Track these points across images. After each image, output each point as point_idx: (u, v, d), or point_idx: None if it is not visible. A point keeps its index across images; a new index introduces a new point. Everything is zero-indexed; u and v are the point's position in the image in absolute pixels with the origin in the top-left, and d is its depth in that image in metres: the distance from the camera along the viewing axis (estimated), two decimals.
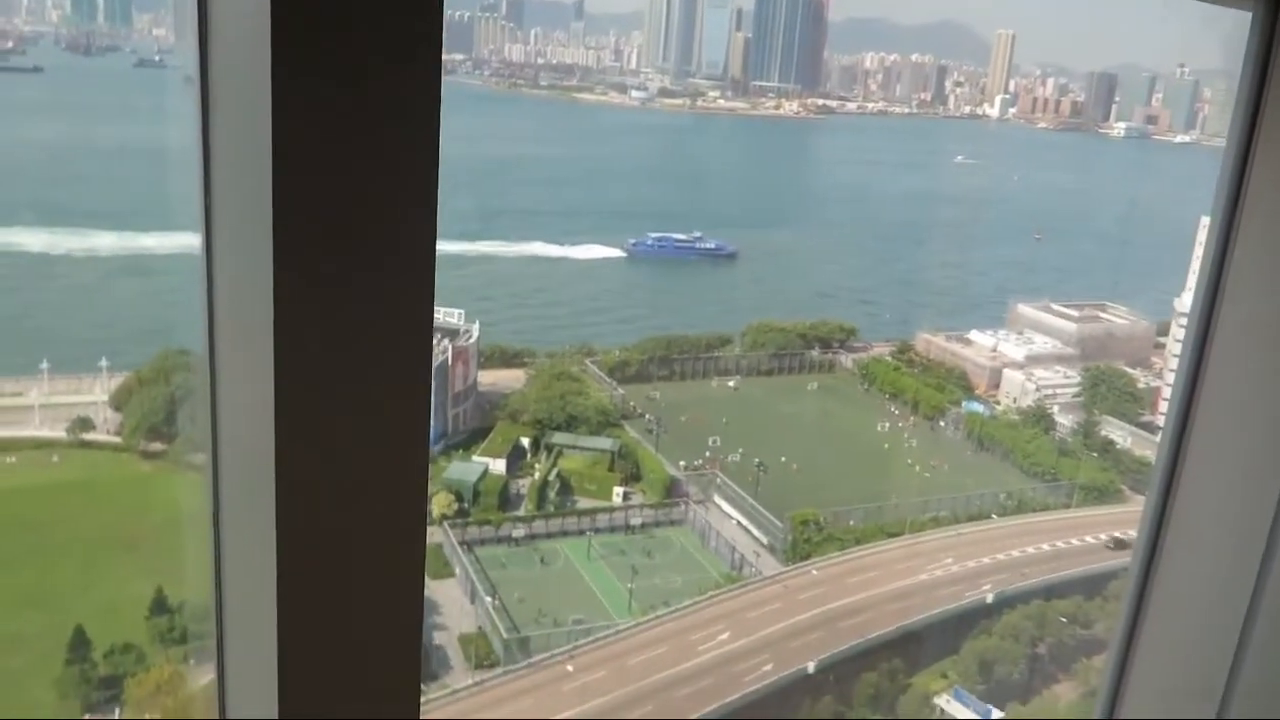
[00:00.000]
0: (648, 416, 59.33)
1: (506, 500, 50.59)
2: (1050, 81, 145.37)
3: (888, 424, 61.67)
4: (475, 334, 56.81)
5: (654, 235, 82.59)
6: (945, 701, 42.58)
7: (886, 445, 59.62)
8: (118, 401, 48.23)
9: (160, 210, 58.40)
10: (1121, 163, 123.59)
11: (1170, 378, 51.94)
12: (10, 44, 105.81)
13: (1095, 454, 57.92)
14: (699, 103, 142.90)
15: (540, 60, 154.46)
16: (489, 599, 43.48)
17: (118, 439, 47.21)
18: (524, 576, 46.34)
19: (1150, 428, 57.69)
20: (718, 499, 53.34)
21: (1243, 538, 3.58)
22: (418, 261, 1.76)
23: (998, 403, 64.24)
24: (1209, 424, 3.64)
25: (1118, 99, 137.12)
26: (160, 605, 37.25)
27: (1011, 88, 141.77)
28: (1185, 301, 50.35)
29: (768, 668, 42.01)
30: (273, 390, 1.65)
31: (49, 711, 34.97)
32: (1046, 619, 45.94)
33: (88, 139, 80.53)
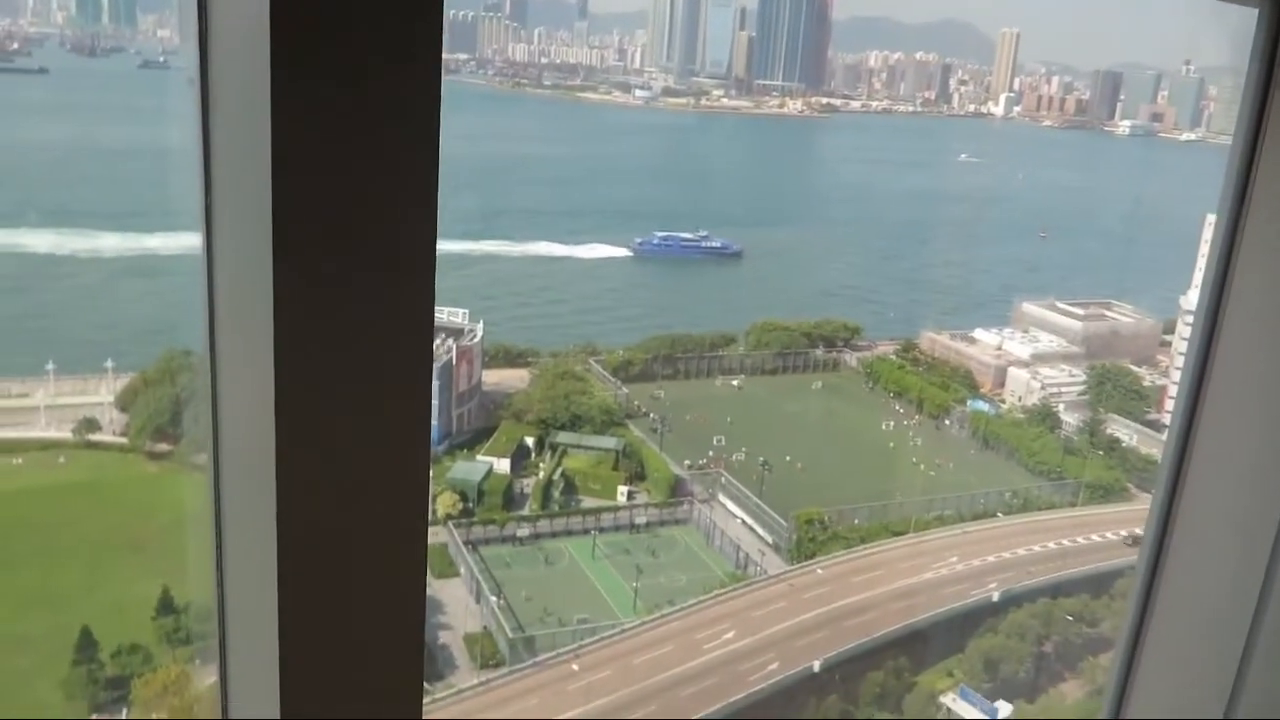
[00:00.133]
0: (652, 416, 59.34)
1: (511, 500, 50.64)
2: (1055, 79, 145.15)
3: (892, 423, 61.62)
4: (479, 333, 56.88)
5: (660, 234, 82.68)
6: (951, 700, 42.53)
7: (891, 444, 59.58)
8: (123, 402, 48.35)
9: (165, 211, 58.55)
10: (1126, 160, 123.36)
11: (1176, 375, 51.86)
12: (16, 45, 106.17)
13: (1101, 452, 57.81)
14: (703, 102, 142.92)
15: (544, 60, 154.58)
16: (494, 598, 43.53)
17: (124, 440, 47.33)
18: (529, 576, 46.38)
19: (1156, 426, 57.58)
20: (722, 498, 53.33)
21: (1250, 536, 3.56)
22: (418, 261, 1.75)
23: (1003, 401, 64.15)
24: (1215, 422, 3.63)
25: (1123, 97, 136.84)
26: (167, 605, 37.36)
27: (1016, 86, 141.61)
28: (1191, 299, 50.21)
29: (773, 667, 41.99)
30: (273, 390, 1.65)
31: (56, 712, 35.07)
32: (1053, 617, 45.86)
33: (93, 140, 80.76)
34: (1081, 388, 63.80)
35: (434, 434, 48.05)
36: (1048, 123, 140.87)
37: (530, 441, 54.38)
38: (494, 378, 58.81)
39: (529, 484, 51.96)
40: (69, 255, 61.71)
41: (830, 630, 43.93)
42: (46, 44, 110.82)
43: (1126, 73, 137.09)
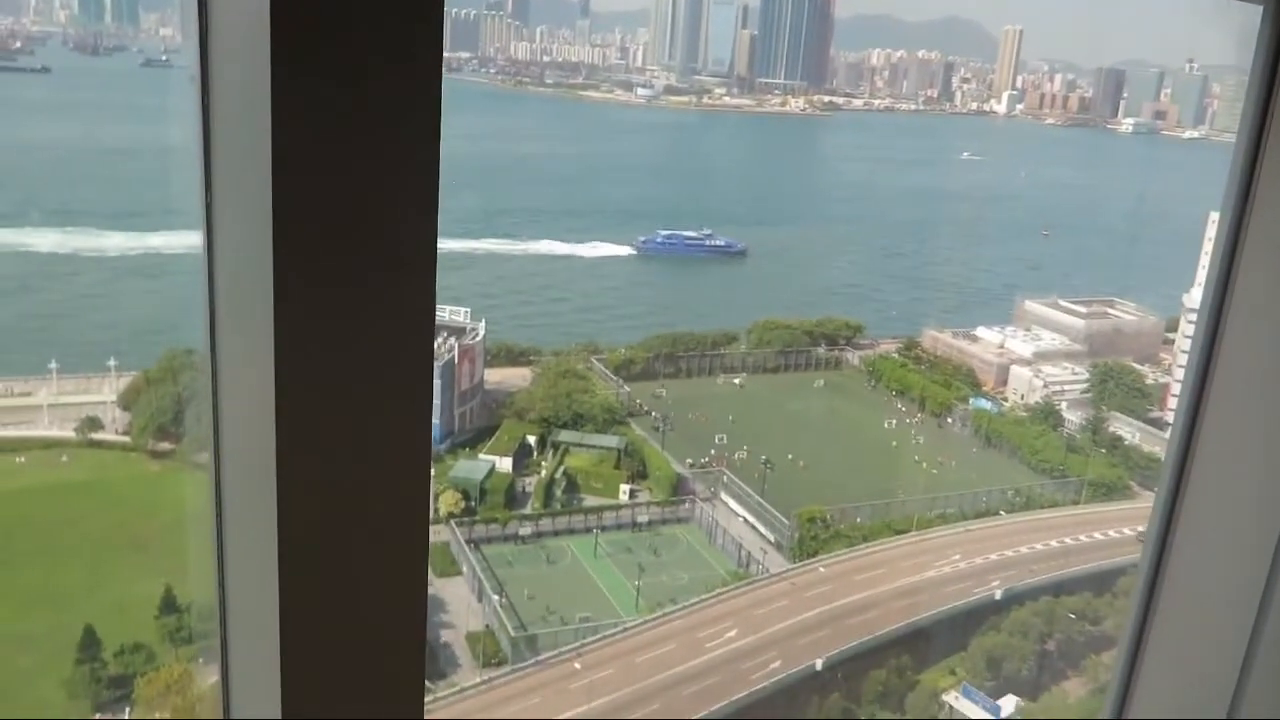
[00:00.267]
0: (654, 414, 59.34)
1: (513, 498, 50.67)
2: (1058, 77, 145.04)
3: (895, 421, 61.60)
4: (481, 332, 56.91)
5: (664, 232, 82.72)
6: (954, 698, 42.51)
7: (894, 442, 59.56)
8: (126, 401, 48.42)
9: (167, 210, 58.65)
10: (1129, 158, 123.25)
11: (1179, 373, 51.84)
12: (18, 44, 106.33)
13: (1103, 450, 57.76)
14: (705, 100, 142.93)
15: (546, 58, 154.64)
16: (496, 597, 43.55)
17: (126, 438, 47.41)
18: (531, 574, 46.40)
19: (1159, 424, 57.54)
20: (724, 496, 53.34)
21: (1253, 534, 3.55)
22: (419, 260, 1.75)
23: (1005, 399, 64.10)
24: (1219, 420, 3.62)
25: (1126, 95, 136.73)
26: (169, 604, 37.40)
27: (1019, 84, 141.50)
28: (1194, 297, 50.19)
29: (775, 665, 41.99)
30: (273, 389, 1.65)
31: (59, 711, 35.12)
32: (1055, 615, 45.83)
33: (95, 139, 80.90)
34: (1084, 386, 63.75)
35: (436, 433, 48.13)
36: (1050, 120, 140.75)
37: (532, 440, 54.41)
38: (496, 376, 58.85)
39: (531, 482, 51.98)
40: (71, 254, 61.83)
41: (832, 628, 43.92)
42: (49, 43, 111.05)
43: (1129, 70, 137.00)
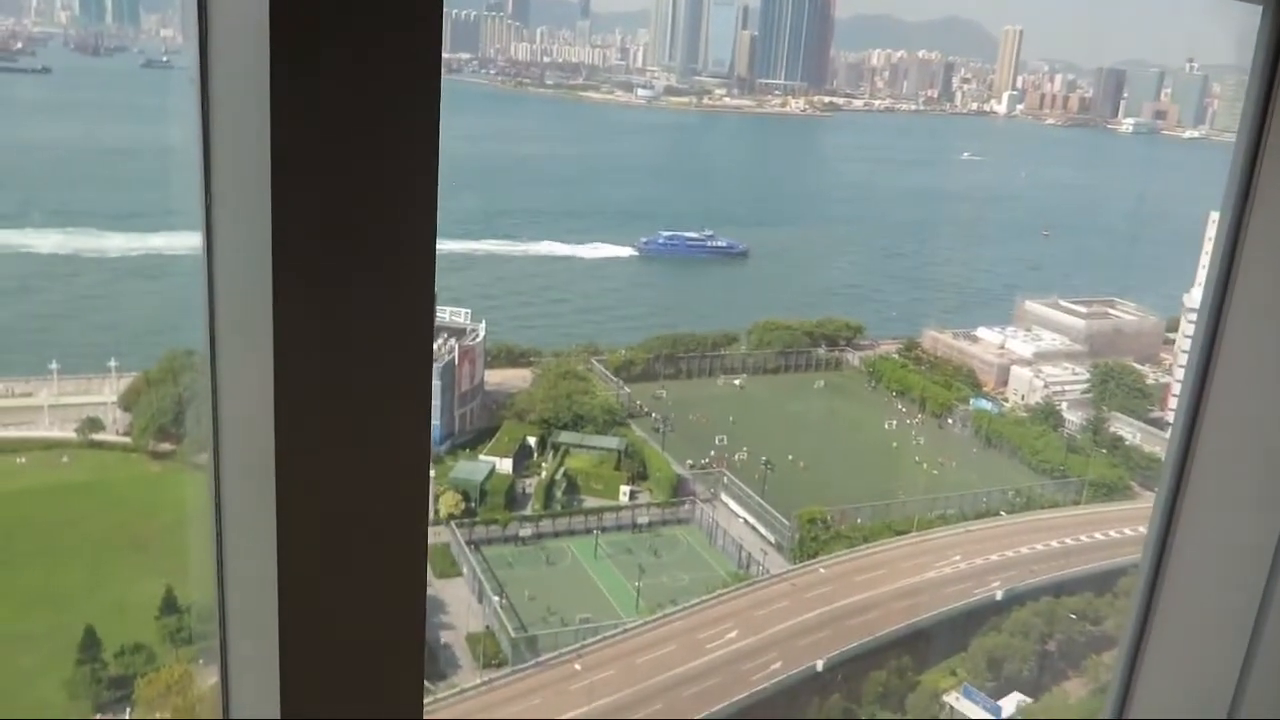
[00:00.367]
0: (654, 415, 59.32)
1: (513, 499, 50.65)
2: (1058, 77, 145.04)
3: (895, 422, 61.58)
4: (481, 333, 56.91)
5: (665, 234, 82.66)
6: (954, 699, 42.49)
7: (894, 443, 59.54)
8: (127, 402, 48.44)
9: (167, 210, 58.65)
10: (1130, 158, 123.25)
11: (1180, 374, 51.80)
12: (19, 45, 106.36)
13: (1104, 450, 57.74)
14: (705, 101, 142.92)
15: (546, 59, 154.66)
16: (496, 598, 43.55)
17: (127, 439, 47.42)
18: (531, 575, 46.39)
19: (1160, 424, 57.52)
20: (725, 497, 53.33)
21: (1254, 534, 3.55)
22: (418, 261, 1.75)
23: (1006, 400, 64.09)
24: (1219, 420, 3.62)
25: (1126, 95, 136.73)
26: (170, 605, 37.40)
27: (1019, 84, 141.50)
28: (1194, 297, 50.17)
29: (776, 666, 41.98)
30: (273, 390, 1.65)
31: (59, 711, 35.12)
32: (1056, 616, 45.81)
33: (96, 139, 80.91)
34: (1085, 386, 63.74)
35: (436, 434, 48.12)
36: (1051, 120, 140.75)
37: (532, 441, 54.40)
38: (496, 377, 58.84)
39: (531, 484, 51.97)
40: (72, 255, 61.84)
41: (833, 629, 43.91)
42: (50, 43, 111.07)
43: (1130, 70, 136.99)
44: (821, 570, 48.02)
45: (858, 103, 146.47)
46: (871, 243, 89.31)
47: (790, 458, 55.58)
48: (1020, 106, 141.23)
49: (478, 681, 39.91)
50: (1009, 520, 53.34)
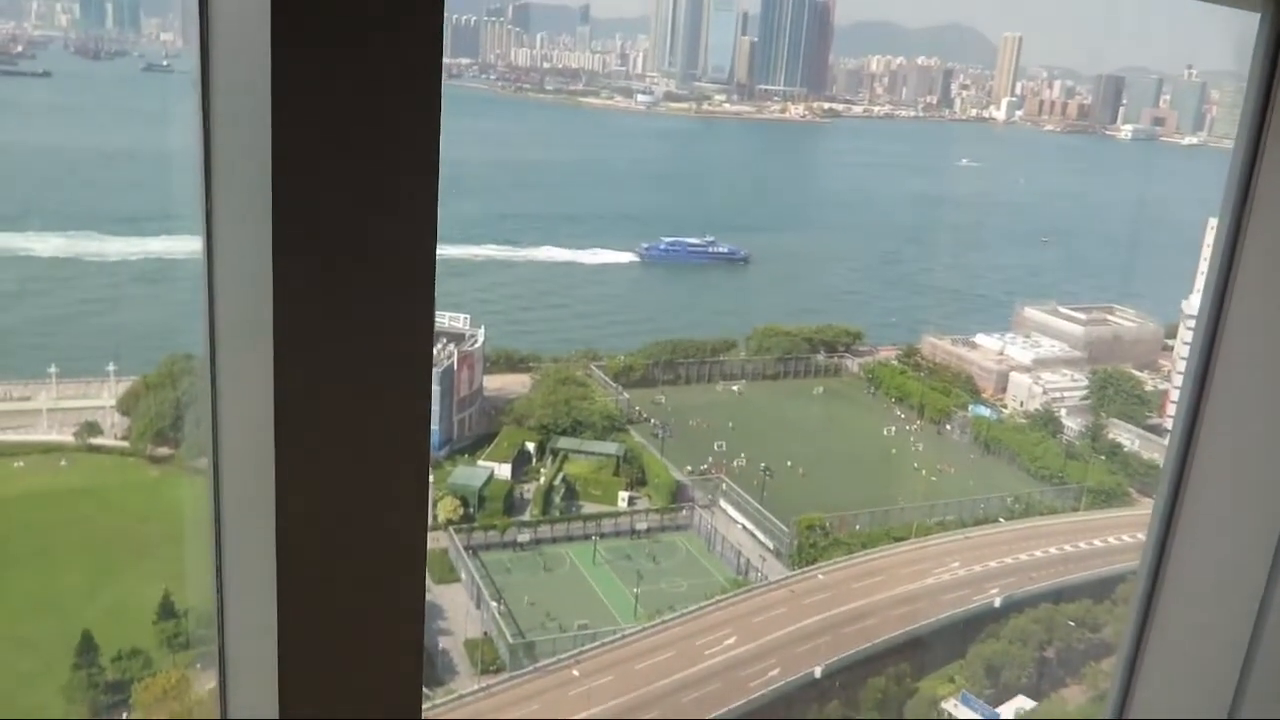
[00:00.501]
0: (653, 421, 59.29)
1: (512, 505, 50.60)
2: (1057, 84, 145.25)
3: (894, 428, 61.58)
4: (481, 339, 56.89)
5: (666, 240, 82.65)
6: (953, 706, 42.43)
7: (893, 449, 59.52)
8: (125, 406, 48.40)
9: (168, 215, 58.67)
10: (1128, 165, 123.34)
11: (1178, 380, 51.80)
12: (20, 48, 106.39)
13: (1103, 457, 57.73)
14: (705, 107, 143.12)
15: (546, 65, 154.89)
16: (494, 604, 43.49)
17: (125, 443, 47.38)
18: (529, 581, 46.33)
19: (1158, 430, 57.52)
20: (723, 503, 53.28)
21: (1252, 540, 3.55)
22: (418, 265, 1.75)
23: (1004, 406, 64.08)
24: (1217, 426, 3.62)
25: (1125, 101, 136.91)
26: (168, 609, 37.33)
27: (1018, 90, 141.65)
28: (1193, 303, 50.19)
29: (774, 672, 41.92)
30: (273, 394, 1.65)
31: (57, 715, 35.03)
32: (1054, 622, 45.77)
33: (96, 143, 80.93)
34: (1083, 392, 63.74)
35: (435, 439, 48.07)
36: (1050, 127, 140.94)
37: (531, 447, 54.35)
38: (495, 383, 58.82)
39: (530, 489, 51.92)
40: (72, 259, 61.84)
41: (831, 636, 43.86)
42: (50, 47, 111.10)
43: (1129, 77, 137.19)
44: (820, 577, 47.97)
45: (857, 109, 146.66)
46: (871, 249, 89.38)
47: (789, 464, 55.56)
48: (1019, 113, 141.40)
49: (475, 688, 39.85)
50: (1008, 527, 53.31)
